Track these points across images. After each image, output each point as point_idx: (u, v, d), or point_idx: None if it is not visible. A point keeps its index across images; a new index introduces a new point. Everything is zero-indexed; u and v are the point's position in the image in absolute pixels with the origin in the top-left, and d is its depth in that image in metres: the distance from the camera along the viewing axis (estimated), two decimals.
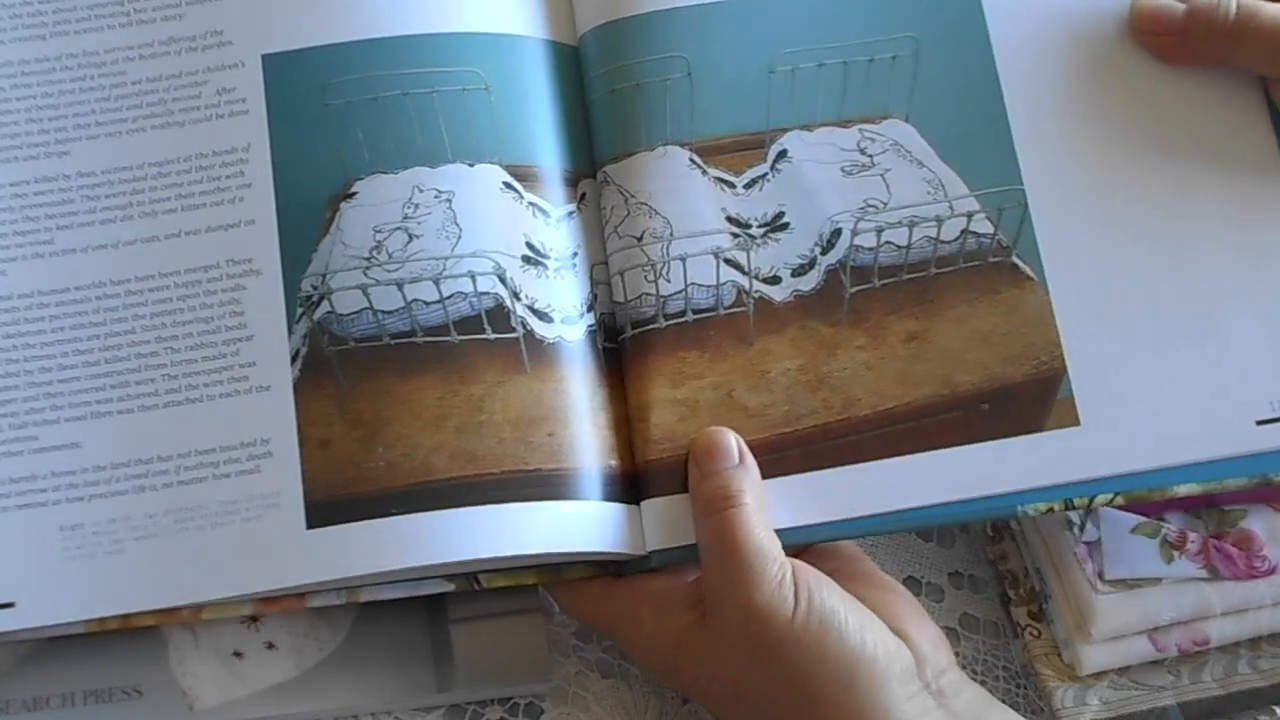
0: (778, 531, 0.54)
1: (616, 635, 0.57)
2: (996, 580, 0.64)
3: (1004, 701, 0.58)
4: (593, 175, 0.59)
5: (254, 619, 0.57)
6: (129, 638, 0.56)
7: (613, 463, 0.56)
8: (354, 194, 0.57)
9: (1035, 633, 0.62)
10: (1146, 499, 0.57)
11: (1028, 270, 0.58)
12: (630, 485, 0.56)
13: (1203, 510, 0.62)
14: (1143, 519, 0.61)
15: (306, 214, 0.57)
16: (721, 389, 0.57)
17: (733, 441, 0.55)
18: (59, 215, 0.57)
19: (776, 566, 0.53)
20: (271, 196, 0.57)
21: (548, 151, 0.59)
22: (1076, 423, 0.56)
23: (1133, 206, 0.59)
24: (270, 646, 0.57)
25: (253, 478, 0.54)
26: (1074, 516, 0.61)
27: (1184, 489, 0.57)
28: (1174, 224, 0.58)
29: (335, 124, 0.58)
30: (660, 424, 0.56)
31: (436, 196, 0.57)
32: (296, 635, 0.57)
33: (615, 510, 0.55)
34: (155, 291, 0.56)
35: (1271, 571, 0.60)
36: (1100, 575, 0.60)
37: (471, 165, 0.58)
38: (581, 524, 0.55)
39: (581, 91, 0.60)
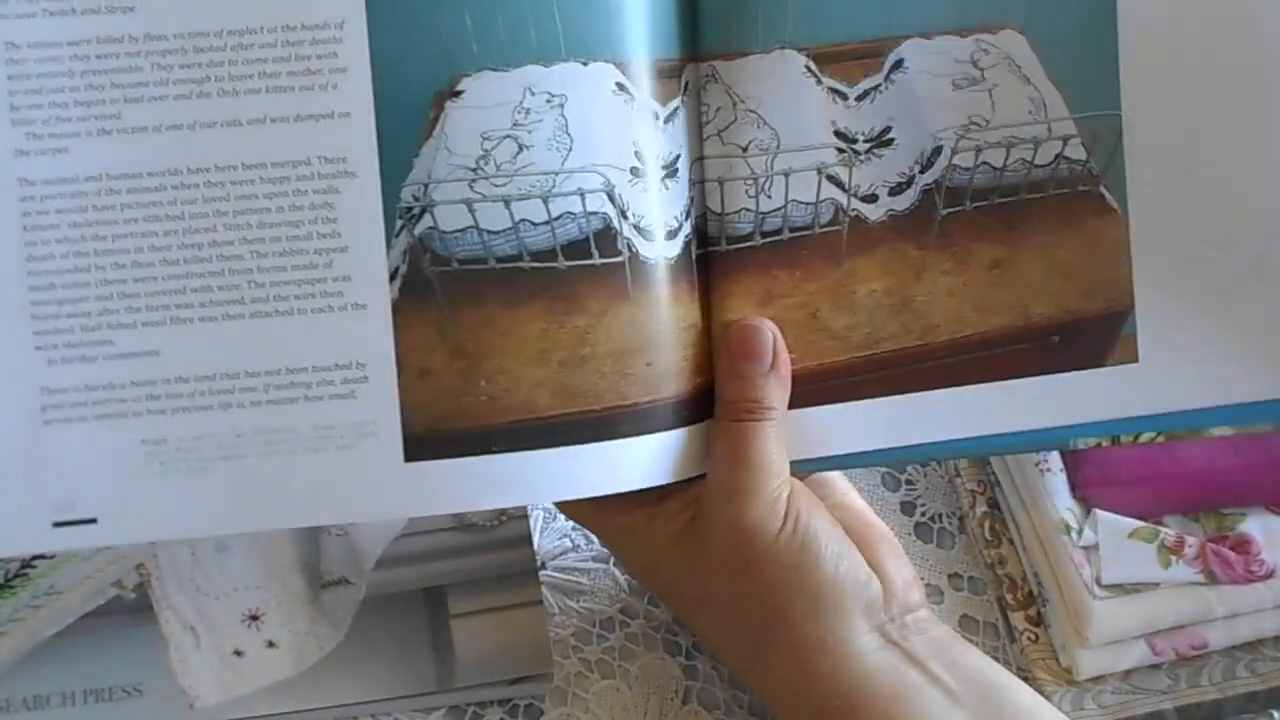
0: (839, 457, 0.55)
1: (605, 534, 0.58)
2: (995, 584, 0.65)
3: None
4: (694, 60, 0.55)
5: (254, 618, 0.56)
6: (129, 636, 0.56)
7: (699, 380, 0.55)
8: (461, 92, 0.52)
9: (1033, 637, 0.63)
10: (1184, 438, 0.58)
11: (1112, 202, 0.57)
12: (709, 401, 0.55)
13: (1200, 514, 0.63)
14: (1140, 524, 0.62)
15: (408, 112, 0.51)
16: (807, 308, 0.56)
17: (770, 339, 0.54)
18: (126, 85, 0.50)
19: (777, 484, 0.53)
20: (369, 87, 0.51)
21: (661, 41, 0.54)
22: (1135, 359, 0.57)
23: (1226, 149, 0.57)
24: (270, 645, 0.57)
25: (347, 403, 0.51)
26: (1072, 521, 0.62)
27: (1218, 431, 0.58)
28: (1265, 170, 0.57)
29: (442, 5, 0.51)
30: None
31: (549, 101, 0.52)
32: (297, 634, 0.57)
33: (701, 431, 0.55)
34: (238, 185, 0.51)
35: (1269, 575, 0.62)
36: (1098, 580, 0.61)
37: (585, 64, 0.52)
38: (674, 453, 0.54)
39: None
